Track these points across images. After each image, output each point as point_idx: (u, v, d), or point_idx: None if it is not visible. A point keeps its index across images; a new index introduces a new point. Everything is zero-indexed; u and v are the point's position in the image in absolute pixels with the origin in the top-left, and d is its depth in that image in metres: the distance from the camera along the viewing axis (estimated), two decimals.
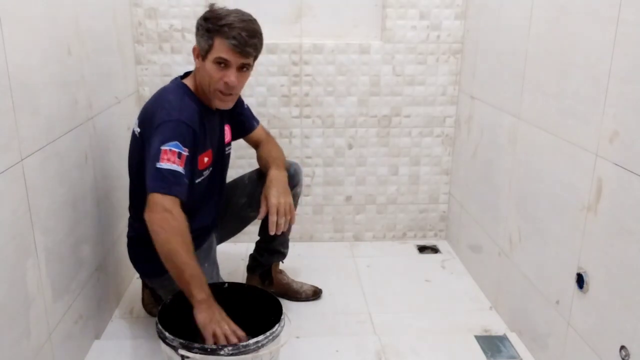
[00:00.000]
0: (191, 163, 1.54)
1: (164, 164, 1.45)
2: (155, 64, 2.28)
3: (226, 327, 1.38)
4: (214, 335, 1.36)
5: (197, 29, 1.58)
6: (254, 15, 1.60)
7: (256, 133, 1.90)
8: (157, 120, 1.52)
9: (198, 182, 1.65)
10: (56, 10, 1.48)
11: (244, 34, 1.52)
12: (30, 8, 1.32)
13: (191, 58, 2.23)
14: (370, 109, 2.39)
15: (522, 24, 1.76)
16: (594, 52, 1.38)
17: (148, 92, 2.29)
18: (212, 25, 1.53)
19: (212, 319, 1.38)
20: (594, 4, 1.38)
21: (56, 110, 1.46)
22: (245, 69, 1.59)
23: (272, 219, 1.67)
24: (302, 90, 2.34)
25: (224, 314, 1.42)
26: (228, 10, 1.57)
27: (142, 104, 2.27)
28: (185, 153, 1.49)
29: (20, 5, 1.27)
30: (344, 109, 2.38)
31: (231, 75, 1.56)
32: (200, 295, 1.40)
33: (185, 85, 1.63)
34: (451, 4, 2.28)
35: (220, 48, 1.53)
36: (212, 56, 1.54)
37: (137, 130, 1.62)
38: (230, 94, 1.61)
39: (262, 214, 1.71)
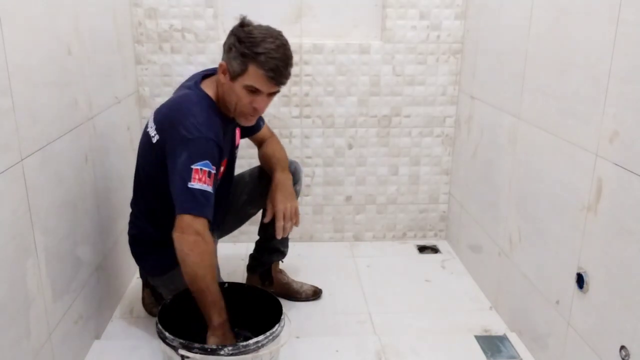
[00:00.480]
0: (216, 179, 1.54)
1: (195, 184, 1.44)
2: (155, 64, 2.28)
3: None
4: None
5: (230, 49, 1.51)
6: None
7: (261, 132, 1.91)
8: (183, 133, 1.48)
9: None
10: (56, 10, 1.48)
11: (280, 65, 1.48)
12: (30, 8, 1.32)
13: (191, 58, 2.27)
14: (370, 109, 2.39)
15: (522, 24, 1.76)
16: (594, 52, 1.38)
17: (148, 92, 2.29)
18: (247, 50, 1.47)
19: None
20: (594, 4, 1.38)
21: (56, 110, 1.46)
22: (274, 94, 1.58)
23: (279, 224, 1.70)
24: (302, 90, 2.34)
25: (230, 339, 1.47)
26: (261, 31, 1.50)
27: (142, 104, 2.30)
28: (214, 172, 1.48)
29: (20, 5, 1.27)
30: (344, 109, 2.38)
31: (261, 103, 1.55)
32: (218, 320, 1.45)
33: (208, 97, 1.59)
34: (451, 4, 2.28)
35: (255, 77, 1.49)
36: (244, 81, 1.50)
37: (156, 136, 1.57)
38: (256, 115, 1.61)
39: (268, 218, 1.73)
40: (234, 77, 1.52)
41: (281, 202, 1.70)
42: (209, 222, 1.47)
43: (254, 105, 1.54)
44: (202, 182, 1.45)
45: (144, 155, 1.67)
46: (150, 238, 1.72)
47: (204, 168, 1.45)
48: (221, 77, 1.56)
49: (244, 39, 1.48)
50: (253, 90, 1.51)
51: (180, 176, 1.45)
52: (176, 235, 1.44)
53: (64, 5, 1.53)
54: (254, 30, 1.50)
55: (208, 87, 1.61)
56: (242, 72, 1.49)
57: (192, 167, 1.45)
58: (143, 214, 1.74)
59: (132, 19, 2.21)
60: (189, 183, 1.44)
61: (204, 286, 1.44)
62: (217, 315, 1.45)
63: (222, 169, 1.66)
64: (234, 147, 1.79)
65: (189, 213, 1.43)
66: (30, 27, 1.32)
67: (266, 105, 1.58)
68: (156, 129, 1.58)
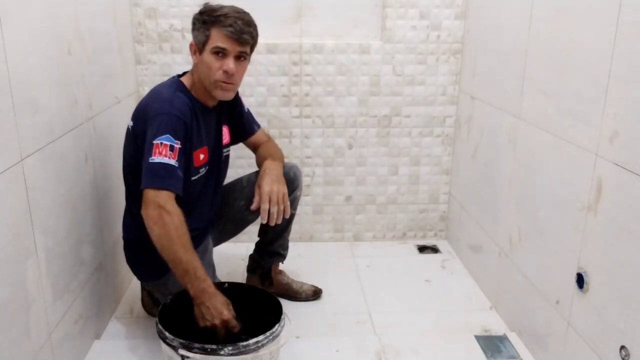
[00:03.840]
0: (185, 156, 1.54)
1: (156, 158, 1.46)
2: (155, 64, 2.28)
3: (217, 321, 1.42)
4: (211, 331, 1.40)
5: (194, 24, 1.60)
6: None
7: (256, 137, 1.90)
8: (149, 113, 1.53)
9: (194, 179, 1.64)
10: (56, 10, 1.48)
11: (239, 22, 1.55)
12: (30, 8, 1.32)
13: (191, 58, 2.26)
14: (370, 109, 2.39)
15: (522, 23, 1.76)
16: (594, 52, 1.38)
17: None
18: (207, 17, 1.56)
19: (203, 315, 1.42)
20: (594, 4, 1.38)
21: (56, 110, 1.46)
22: (242, 58, 1.60)
23: (264, 207, 1.65)
24: (302, 90, 2.34)
25: (217, 303, 1.43)
26: (222, 5, 1.59)
27: None
28: (177, 145, 1.49)
29: (20, 5, 1.27)
30: (344, 109, 2.38)
31: (230, 63, 1.56)
32: (192, 290, 1.43)
33: (180, 82, 1.65)
34: (451, 4, 2.28)
35: (218, 37, 1.55)
36: (209, 47, 1.56)
37: (130, 124, 1.63)
38: (231, 83, 1.61)
39: (255, 205, 1.69)
40: (201, 48, 1.58)
41: (267, 185, 1.67)
42: (177, 195, 1.47)
43: (223, 68, 1.56)
44: (163, 155, 1.46)
45: (125, 150, 1.70)
46: (142, 241, 1.72)
47: (165, 142, 1.48)
48: (194, 59, 1.62)
49: (204, 10, 1.58)
50: (219, 52, 1.56)
51: (145, 153, 1.48)
52: (142, 212, 1.45)
53: (64, 6, 1.53)
54: (214, 5, 1.60)
55: (185, 78, 1.67)
56: (207, 38, 1.56)
57: (154, 142, 1.47)
58: (133, 213, 1.73)
59: (132, 19, 2.21)
60: (150, 158, 1.46)
61: (172, 256, 1.42)
62: (190, 285, 1.42)
63: (201, 156, 1.66)
64: (220, 142, 1.77)
65: (150, 187, 1.45)
66: (30, 27, 1.32)
67: (238, 70, 1.59)
68: (132, 118, 1.63)
